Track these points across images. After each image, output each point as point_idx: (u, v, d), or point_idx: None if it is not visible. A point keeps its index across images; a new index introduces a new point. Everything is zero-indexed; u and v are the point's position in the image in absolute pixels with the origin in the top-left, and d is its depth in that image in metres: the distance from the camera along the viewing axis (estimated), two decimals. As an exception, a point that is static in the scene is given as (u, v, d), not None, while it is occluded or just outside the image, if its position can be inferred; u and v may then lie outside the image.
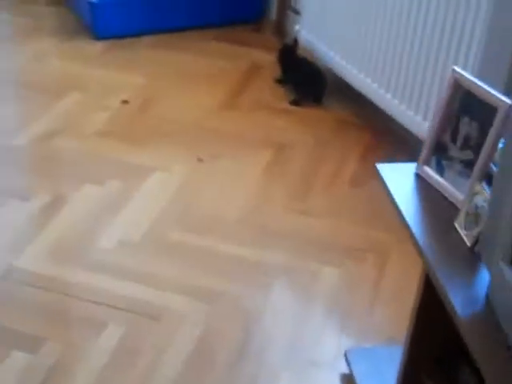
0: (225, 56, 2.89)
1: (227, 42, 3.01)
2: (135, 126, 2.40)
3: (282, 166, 2.25)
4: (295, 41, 2.69)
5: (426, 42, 2.12)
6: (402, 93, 2.25)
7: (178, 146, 2.31)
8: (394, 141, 2.39)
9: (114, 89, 2.60)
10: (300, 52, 2.71)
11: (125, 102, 2.52)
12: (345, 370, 1.58)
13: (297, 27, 2.75)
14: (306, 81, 2.66)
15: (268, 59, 2.80)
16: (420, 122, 2.19)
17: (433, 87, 2.12)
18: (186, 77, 2.71)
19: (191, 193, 2.11)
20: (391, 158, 2.31)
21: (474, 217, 1.14)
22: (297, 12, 2.95)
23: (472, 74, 1.35)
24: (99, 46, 2.89)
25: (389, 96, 2.31)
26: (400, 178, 1.37)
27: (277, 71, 2.70)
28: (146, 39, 2.96)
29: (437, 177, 1.28)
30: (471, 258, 1.11)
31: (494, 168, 1.17)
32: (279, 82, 2.70)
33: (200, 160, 2.24)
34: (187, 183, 2.15)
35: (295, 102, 2.60)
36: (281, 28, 3.06)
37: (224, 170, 2.22)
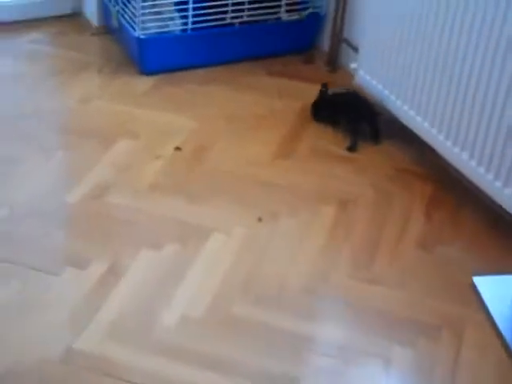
0: (278, 93, 2.78)
1: (280, 76, 2.90)
2: (189, 178, 2.31)
3: (344, 226, 2.15)
4: (324, 86, 2.62)
5: (501, 92, 2.03)
6: (471, 147, 2.15)
7: (235, 202, 2.21)
8: (458, 193, 2.29)
9: (164, 133, 2.50)
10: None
11: (177, 148, 2.42)
12: None
13: (353, 65, 2.64)
14: (357, 116, 2.57)
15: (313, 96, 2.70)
16: (490, 180, 2.09)
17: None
18: (239, 119, 2.60)
19: (253, 258, 2.01)
20: (456, 214, 2.23)
21: None
22: (351, 46, 2.84)
23: None
24: (147, 82, 2.79)
25: (457, 150, 2.21)
26: (501, 295, 1.27)
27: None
28: (196, 74, 2.85)
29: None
30: None
31: None
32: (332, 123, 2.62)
33: (260, 220, 2.15)
34: (248, 247, 2.05)
35: (352, 148, 2.51)
36: (333, 60, 2.95)
37: (285, 231, 2.12)
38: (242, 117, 2.62)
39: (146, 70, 2.79)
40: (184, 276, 1.94)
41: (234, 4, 2.77)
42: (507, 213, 2.08)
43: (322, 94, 2.64)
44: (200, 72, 2.87)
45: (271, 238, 2.09)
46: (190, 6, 2.70)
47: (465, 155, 2.18)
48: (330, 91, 2.65)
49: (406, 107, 2.41)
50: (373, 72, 2.53)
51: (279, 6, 2.87)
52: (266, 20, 2.88)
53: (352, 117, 2.57)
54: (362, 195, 2.28)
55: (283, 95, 2.78)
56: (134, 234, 2.07)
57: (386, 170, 2.40)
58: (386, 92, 2.48)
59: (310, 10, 2.91)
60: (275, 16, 2.89)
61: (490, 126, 2.07)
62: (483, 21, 2.03)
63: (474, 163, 2.15)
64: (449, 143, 2.24)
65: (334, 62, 2.94)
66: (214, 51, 2.84)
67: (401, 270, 2.01)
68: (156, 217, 2.14)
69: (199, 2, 2.72)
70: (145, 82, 2.79)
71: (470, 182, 2.20)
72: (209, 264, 1.99)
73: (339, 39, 2.89)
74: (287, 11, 2.89)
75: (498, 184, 2.06)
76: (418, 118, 2.37)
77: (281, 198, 2.25)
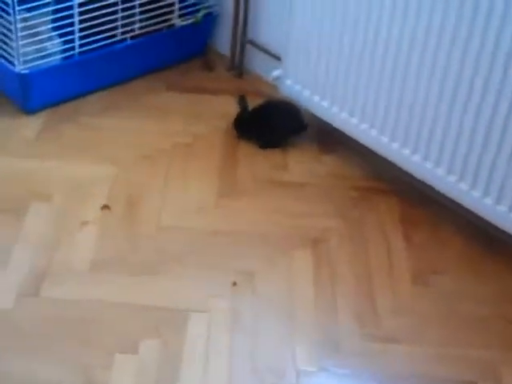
0: (187, 114, 2.41)
1: (182, 90, 2.53)
2: (132, 244, 1.92)
3: (328, 273, 1.88)
4: (242, 98, 2.32)
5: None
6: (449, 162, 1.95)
7: (195, 267, 1.87)
8: (431, 208, 2.09)
9: (80, 188, 2.08)
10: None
11: (105, 207, 2.02)
12: None
13: (275, 74, 2.34)
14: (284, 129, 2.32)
15: (234, 107, 2.37)
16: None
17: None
18: (161, 154, 2.23)
19: (247, 342, 1.69)
20: (436, 234, 2.03)
21: None
22: (258, 47, 2.53)
23: None
24: (35, 122, 2.30)
25: (429, 165, 2.00)
26: None
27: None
28: (90, 102, 2.42)
29: None
30: None
31: None
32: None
33: (235, 284, 1.83)
34: (237, 325, 1.73)
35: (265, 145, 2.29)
36: (236, 64, 2.62)
37: (267, 293, 1.82)
38: (164, 151, 2.25)
39: (32, 108, 2.32)
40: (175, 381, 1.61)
41: (123, 18, 2.36)
42: (498, 230, 1.91)
43: (243, 109, 2.34)
44: (94, 99, 2.44)
45: (257, 307, 1.78)
46: (76, 27, 2.26)
47: (441, 171, 1.97)
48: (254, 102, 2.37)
49: (344, 114, 2.17)
50: (302, 80, 2.24)
51: (172, 12, 2.49)
52: (158, 29, 2.49)
53: (279, 130, 2.31)
54: (331, 229, 2.01)
55: (197, 114, 2.43)
56: (99, 336, 1.69)
57: (346, 192, 2.15)
58: (319, 99, 2.21)
59: (204, 11, 2.56)
60: (168, 23, 2.50)
61: (461, 133, 1.88)
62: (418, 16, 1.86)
63: (452, 179, 1.95)
64: (416, 157, 2.01)
65: (239, 66, 2.62)
66: (106, 73, 2.42)
67: (409, 317, 1.78)
68: (117, 307, 1.75)
69: (84, 22, 2.28)
70: (33, 123, 2.31)
71: (444, 197, 2.01)
72: (199, 358, 1.66)
73: (243, 41, 2.57)
74: (180, 16, 2.52)
75: (489, 201, 1.88)
76: (363, 126, 2.14)
77: (245, 250, 1.94)
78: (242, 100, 2.32)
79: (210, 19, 2.61)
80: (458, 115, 1.88)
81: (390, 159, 2.10)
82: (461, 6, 1.77)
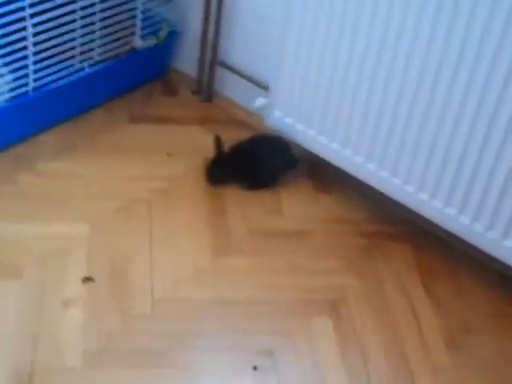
0: (155, 150, 2.12)
1: (146, 121, 2.23)
2: (128, 326, 1.63)
3: (352, 341, 1.66)
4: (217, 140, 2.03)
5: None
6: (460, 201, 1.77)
7: (208, 352, 1.61)
8: (444, 252, 1.91)
9: (54, 255, 1.75)
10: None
11: (87, 280, 1.73)
12: None
13: (259, 103, 2.08)
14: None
15: (205, 139, 2.13)
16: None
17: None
18: (137, 205, 1.94)
19: None
20: (456, 283, 1.85)
21: None
22: (230, 69, 2.26)
23: None
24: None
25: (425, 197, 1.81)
26: None
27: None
28: (46, 142, 2.08)
29: None
30: None
31: None
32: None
33: (255, 369, 1.59)
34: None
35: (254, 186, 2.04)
36: (204, 87, 2.34)
37: (293, 375, 1.59)
38: (139, 200, 1.95)
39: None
40: None
41: (82, 44, 2.03)
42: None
43: (218, 153, 2.04)
44: (49, 138, 2.09)
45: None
46: (30, 60, 1.92)
47: (452, 210, 1.80)
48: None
49: (346, 150, 1.93)
50: (294, 112, 1.99)
51: (132, 34, 2.18)
52: (119, 54, 2.18)
53: (268, 167, 2.06)
54: (346, 288, 1.79)
55: (167, 150, 2.13)
56: None
57: (353, 240, 1.93)
58: (314, 133, 1.98)
59: (167, 29, 2.26)
60: (130, 46, 2.19)
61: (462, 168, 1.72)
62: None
63: (466, 220, 1.78)
64: (423, 195, 1.83)
65: (207, 90, 2.34)
66: (63, 106, 2.09)
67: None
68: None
69: (39, 54, 1.94)
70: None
71: (458, 239, 1.83)
72: None
73: (212, 62, 2.28)
74: (142, 37, 2.21)
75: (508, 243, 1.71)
76: (362, 160, 1.92)
77: (259, 324, 1.68)
78: (217, 142, 2.04)
79: (173, 38, 2.32)
80: (461, 144, 1.70)
81: (394, 198, 1.91)
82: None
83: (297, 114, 1.99)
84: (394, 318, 1.74)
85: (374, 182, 1.93)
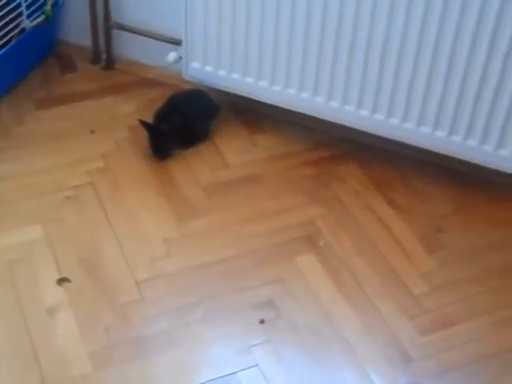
0: (74, 132, 2.01)
1: (54, 103, 2.11)
2: (123, 318, 1.57)
3: (344, 270, 1.68)
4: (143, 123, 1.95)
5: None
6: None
7: (211, 319, 1.58)
8: (392, 162, 1.96)
9: (18, 265, 1.65)
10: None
11: (63, 280, 1.64)
12: None
13: (172, 57, 2.01)
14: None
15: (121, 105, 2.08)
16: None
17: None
18: (76, 191, 1.84)
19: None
20: (413, 189, 1.91)
21: None
22: (127, 29, 2.16)
23: None
24: None
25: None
26: None
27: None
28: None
29: None
30: None
31: None
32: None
33: (262, 322, 1.58)
34: (289, 360, 1.50)
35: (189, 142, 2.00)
36: (101, 54, 2.23)
37: (300, 317, 1.60)
38: (81, 186, 1.86)
39: None
40: None
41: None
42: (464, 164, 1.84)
43: (153, 130, 1.95)
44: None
45: (299, 336, 1.55)
46: None
47: (394, 120, 1.83)
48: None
49: (263, 83, 1.93)
50: (211, 60, 1.95)
51: (20, 15, 2.02)
52: (10, 38, 2.02)
53: (198, 121, 2.02)
54: (315, 218, 1.80)
55: (86, 127, 2.03)
56: None
57: (302, 172, 1.93)
58: (236, 75, 1.94)
59: (50, 3, 2.11)
60: (19, 28, 2.04)
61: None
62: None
63: (411, 125, 1.82)
64: (349, 107, 1.86)
65: (107, 56, 2.23)
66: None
67: (446, 290, 1.66)
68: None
69: None
70: None
71: (400, 145, 1.88)
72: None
73: (107, 26, 2.17)
74: (29, 16, 2.06)
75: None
76: (287, 90, 1.91)
77: (248, 278, 1.67)
78: (142, 123, 1.94)
79: (59, 10, 2.18)
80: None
81: (332, 120, 1.93)
82: None
83: (216, 61, 1.95)
84: (369, 237, 1.78)
85: (309, 110, 1.93)
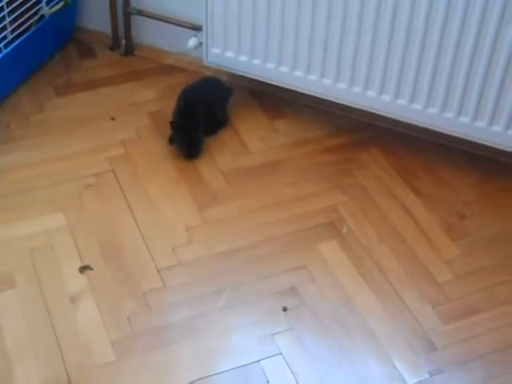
0: (95, 118, 2.01)
1: (74, 90, 2.10)
2: (146, 306, 1.57)
3: (367, 257, 1.67)
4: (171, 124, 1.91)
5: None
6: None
7: (234, 305, 1.58)
8: (415, 146, 1.93)
9: (40, 254, 1.65)
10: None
11: (85, 268, 1.64)
12: None
13: (192, 43, 1.99)
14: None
15: (148, 94, 2.07)
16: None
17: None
18: (98, 178, 1.84)
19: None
20: (435, 173, 1.89)
21: None
22: (148, 15, 2.14)
23: None
24: None
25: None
26: None
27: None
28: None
29: None
30: None
31: None
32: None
33: (285, 310, 1.57)
34: (312, 349, 1.49)
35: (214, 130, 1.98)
36: (120, 40, 2.22)
37: (322, 305, 1.59)
38: (103, 174, 1.85)
39: None
40: None
41: (-7, 26, 1.86)
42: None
43: (184, 126, 1.90)
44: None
45: (321, 326, 1.55)
46: None
47: (417, 106, 1.81)
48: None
49: (284, 68, 1.91)
50: (232, 45, 1.93)
51: (39, 2, 2.01)
52: (30, 26, 2.02)
53: (218, 107, 2.00)
54: (337, 205, 1.79)
55: (108, 114, 2.02)
56: None
57: (324, 158, 1.91)
58: (258, 61, 1.92)
59: (68, -12, 2.10)
60: (38, 16, 2.03)
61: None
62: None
63: (435, 110, 1.79)
64: (371, 92, 1.84)
65: (126, 43, 2.22)
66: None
67: (470, 278, 1.65)
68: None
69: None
70: None
71: (423, 130, 1.86)
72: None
73: (126, 12, 2.16)
74: (47, 3, 2.05)
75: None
76: (309, 75, 1.89)
77: (271, 266, 1.66)
78: (178, 125, 1.90)
79: (75, -4, 2.17)
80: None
81: (343, 102, 1.91)
82: None
83: (237, 47, 1.94)
84: (392, 224, 1.76)
85: (330, 96, 1.92)
